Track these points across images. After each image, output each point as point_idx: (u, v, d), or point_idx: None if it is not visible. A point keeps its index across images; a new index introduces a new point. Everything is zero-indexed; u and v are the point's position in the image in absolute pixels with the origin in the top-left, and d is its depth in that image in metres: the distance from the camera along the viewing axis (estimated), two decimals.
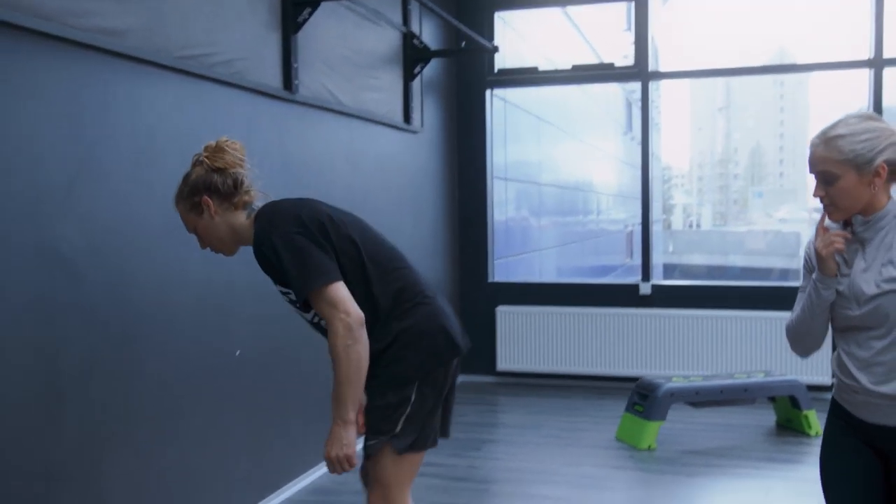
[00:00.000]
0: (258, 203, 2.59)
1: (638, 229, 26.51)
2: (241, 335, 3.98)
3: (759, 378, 5.33)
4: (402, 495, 2.62)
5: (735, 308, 6.38)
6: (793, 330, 2.28)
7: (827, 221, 2.15)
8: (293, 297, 2.49)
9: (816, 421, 5.30)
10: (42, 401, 2.84)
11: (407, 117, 5.90)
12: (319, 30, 4.61)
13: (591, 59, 6.55)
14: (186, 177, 2.56)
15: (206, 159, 2.51)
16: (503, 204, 9.08)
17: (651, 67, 6.65)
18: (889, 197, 2.09)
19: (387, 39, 5.59)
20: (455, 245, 7.11)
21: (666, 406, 5.13)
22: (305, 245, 2.40)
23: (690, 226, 59.91)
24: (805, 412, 5.27)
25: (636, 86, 7.06)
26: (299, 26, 4.32)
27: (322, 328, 2.48)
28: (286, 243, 2.40)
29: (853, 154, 2.02)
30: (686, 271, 38.06)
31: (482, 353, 7.04)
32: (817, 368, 6.09)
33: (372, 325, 2.45)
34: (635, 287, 6.79)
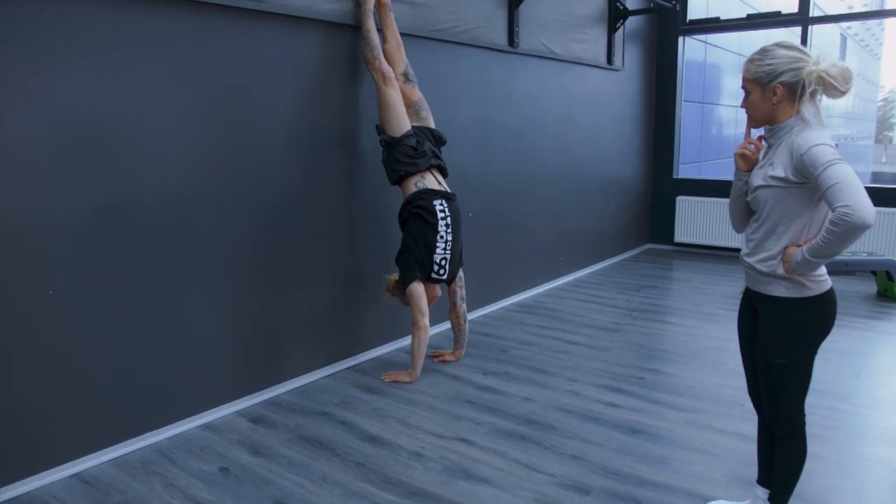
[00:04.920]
0: None
1: (843, 143, 23.19)
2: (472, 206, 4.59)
3: (862, 256, 5.01)
4: None
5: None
6: (729, 211, 2.11)
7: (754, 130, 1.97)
8: None
9: None
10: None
11: (609, 60, 5.98)
12: (537, 3, 4.85)
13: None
14: None
15: None
16: (694, 122, 8.73)
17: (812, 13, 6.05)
18: (793, 113, 1.84)
19: (594, 5, 5.62)
20: (649, 150, 7.12)
21: None
22: None
23: None
24: None
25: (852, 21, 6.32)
26: (519, 2, 4.62)
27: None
28: None
29: (757, 75, 1.84)
30: (880, 178, 29.23)
31: (665, 229, 7.15)
32: None
33: None
34: None
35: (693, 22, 6.69)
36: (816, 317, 1.86)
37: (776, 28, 6.33)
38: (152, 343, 2.80)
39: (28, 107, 2.35)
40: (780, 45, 1.84)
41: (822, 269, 1.88)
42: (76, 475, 2.56)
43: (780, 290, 1.87)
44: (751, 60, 1.87)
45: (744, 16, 6.43)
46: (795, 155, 1.75)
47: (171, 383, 2.88)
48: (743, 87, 1.90)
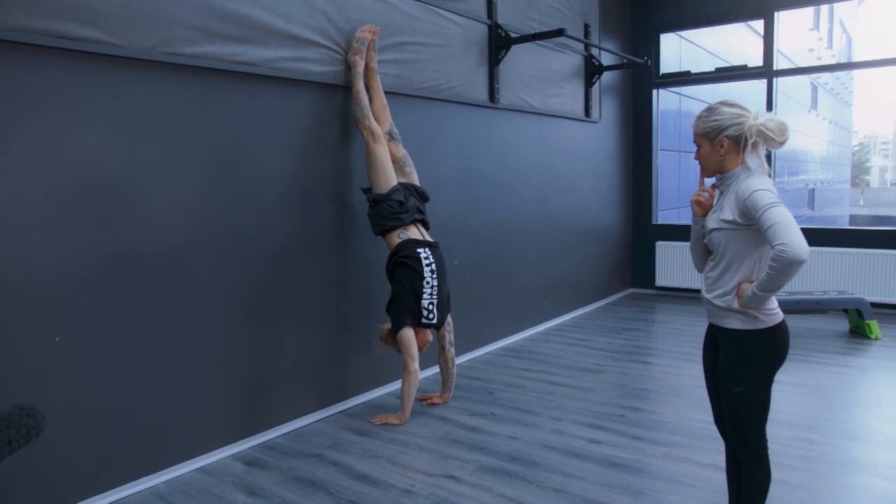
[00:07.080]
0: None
1: (820, 187, 23.80)
2: (458, 251, 4.76)
3: (832, 295, 5.21)
4: None
5: (839, 246, 6.08)
6: (690, 253, 2.27)
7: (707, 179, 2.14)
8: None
9: (877, 328, 5.12)
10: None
11: (587, 112, 6.28)
12: (515, 61, 5.16)
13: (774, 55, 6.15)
14: None
15: None
16: (672, 169, 9.02)
17: (776, 66, 6.40)
18: (739, 163, 2.03)
19: (570, 62, 5.95)
20: (628, 198, 7.36)
21: None
22: None
23: (887, 184, 50.20)
24: (868, 321, 5.10)
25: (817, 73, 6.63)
26: (499, 61, 4.92)
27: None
28: None
29: (705, 130, 2.04)
30: (857, 220, 29.88)
31: (646, 273, 7.35)
32: (882, 290, 5.80)
33: None
34: None
35: (665, 76, 7.05)
36: (770, 347, 2.03)
37: (743, 80, 6.68)
38: (150, 388, 2.91)
39: (40, 164, 2.52)
40: (724, 103, 2.07)
41: (774, 303, 2.06)
42: None
43: (736, 323, 2.05)
44: (699, 117, 2.09)
45: (713, 69, 6.79)
46: (740, 200, 1.96)
47: (167, 428, 2.99)
48: (694, 141, 2.12)
